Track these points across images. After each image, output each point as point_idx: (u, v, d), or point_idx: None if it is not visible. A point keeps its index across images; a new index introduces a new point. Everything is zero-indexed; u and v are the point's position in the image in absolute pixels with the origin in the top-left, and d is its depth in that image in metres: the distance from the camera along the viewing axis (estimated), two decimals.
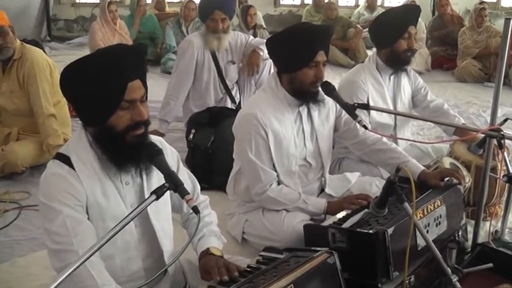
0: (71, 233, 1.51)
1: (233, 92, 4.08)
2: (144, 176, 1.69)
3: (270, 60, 3.81)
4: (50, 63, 3.50)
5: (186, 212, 1.96)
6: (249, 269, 1.74)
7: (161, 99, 4.01)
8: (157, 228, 1.74)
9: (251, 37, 4.12)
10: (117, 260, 1.67)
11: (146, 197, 1.62)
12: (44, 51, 4.43)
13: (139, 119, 1.56)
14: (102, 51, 1.62)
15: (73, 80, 1.56)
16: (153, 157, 1.55)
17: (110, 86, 1.52)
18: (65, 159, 1.60)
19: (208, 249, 1.81)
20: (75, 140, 1.65)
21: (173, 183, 1.47)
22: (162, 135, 3.80)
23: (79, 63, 1.54)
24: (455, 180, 2.26)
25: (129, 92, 1.54)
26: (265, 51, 3.72)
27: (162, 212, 1.78)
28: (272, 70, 3.81)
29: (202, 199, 2.02)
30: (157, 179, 1.69)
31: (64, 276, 1.26)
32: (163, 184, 1.47)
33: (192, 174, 2.02)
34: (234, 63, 3.99)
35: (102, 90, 1.52)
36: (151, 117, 1.75)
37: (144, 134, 1.60)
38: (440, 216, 2.07)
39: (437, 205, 2.06)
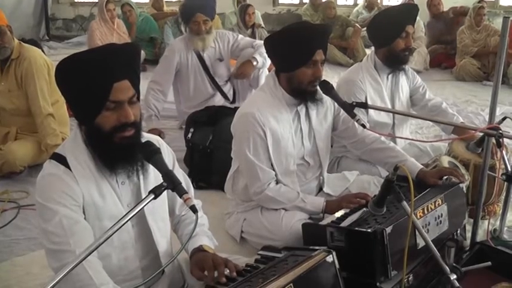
0: (67, 233, 1.50)
1: (225, 89, 4.11)
2: (141, 176, 1.68)
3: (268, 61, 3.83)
4: (47, 62, 3.49)
5: (178, 214, 1.95)
6: (247, 268, 1.73)
7: None
8: (153, 228, 1.74)
9: (240, 36, 4.15)
10: (114, 260, 1.67)
11: (143, 196, 1.62)
12: (43, 50, 4.42)
13: (125, 121, 1.53)
14: (93, 49, 1.61)
15: (63, 75, 1.55)
16: (151, 156, 1.53)
17: (95, 85, 1.50)
18: (61, 159, 1.59)
19: (201, 245, 1.80)
20: (71, 140, 1.65)
21: (171, 182, 1.45)
22: (159, 131, 3.80)
23: (70, 60, 1.52)
24: (454, 179, 2.26)
25: (115, 92, 1.51)
26: (260, 60, 3.78)
27: (158, 211, 1.77)
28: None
29: (195, 202, 2.01)
30: (154, 178, 1.69)
31: (61, 276, 1.26)
32: (162, 183, 1.46)
33: (186, 175, 2.00)
34: (221, 60, 4.03)
35: (88, 88, 1.50)
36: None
37: (133, 136, 1.57)
38: (442, 216, 2.06)
39: (438, 204, 2.05)
